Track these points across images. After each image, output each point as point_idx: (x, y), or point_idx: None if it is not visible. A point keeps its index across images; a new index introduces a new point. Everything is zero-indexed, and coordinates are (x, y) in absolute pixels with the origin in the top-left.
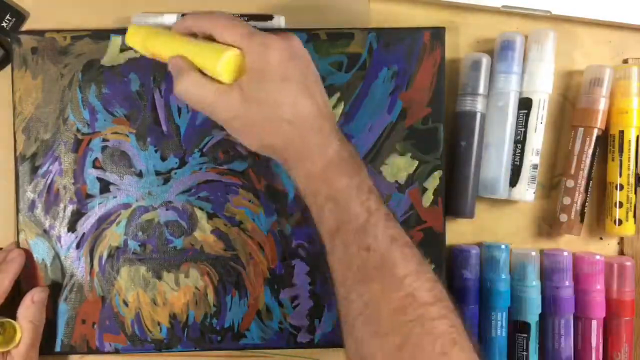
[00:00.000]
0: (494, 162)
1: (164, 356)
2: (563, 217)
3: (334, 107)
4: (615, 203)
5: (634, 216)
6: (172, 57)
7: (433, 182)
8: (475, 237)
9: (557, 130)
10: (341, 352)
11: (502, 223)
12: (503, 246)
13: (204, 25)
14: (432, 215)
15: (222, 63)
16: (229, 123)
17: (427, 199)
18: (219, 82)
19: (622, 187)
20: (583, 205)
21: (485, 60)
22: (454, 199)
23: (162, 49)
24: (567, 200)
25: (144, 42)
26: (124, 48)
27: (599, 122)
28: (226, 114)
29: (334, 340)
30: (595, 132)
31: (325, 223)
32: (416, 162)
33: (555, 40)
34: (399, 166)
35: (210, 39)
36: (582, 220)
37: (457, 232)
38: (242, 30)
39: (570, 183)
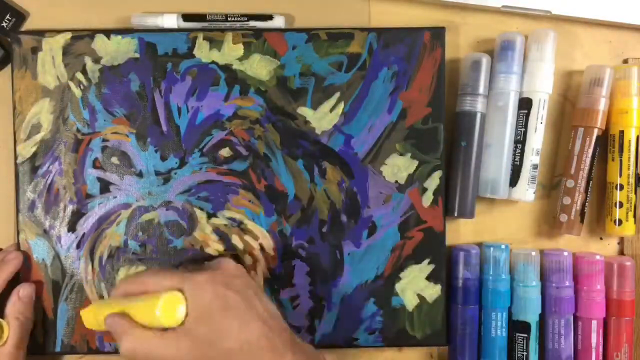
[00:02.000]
0: (494, 162)
1: None
2: (563, 217)
3: (334, 107)
4: (615, 203)
5: (634, 216)
6: (107, 317)
7: (433, 182)
8: (475, 237)
9: (557, 130)
10: (341, 352)
11: (502, 223)
12: (503, 246)
13: (136, 288)
14: (432, 215)
15: (160, 308)
16: None
17: (427, 198)
18: (163, 331)
19: (622, 187)
20: (583, 205)
21: (485, 61)
22: (454, 199)
23: (101, 317)
24: (567, 200)
25: (96, 320)
26: (125, 48)
27: (599, 122)
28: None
29: (334, 341)
30: (596, 132)
31: None
32: (416, 162)
33: (555, 40)
34: (399, 166)
35: None
36: (582, 220)
37: (457, 232)
38: (171, 278)
39: (570, 183)
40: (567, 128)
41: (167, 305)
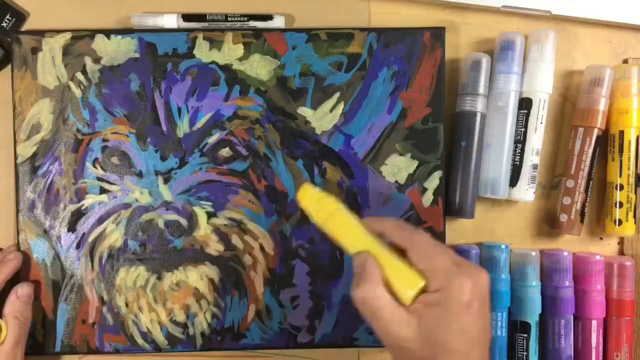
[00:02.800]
0: (494, 162)
1: (164, 356)
2: (563, 217)
3: (334, 107)
4: (615, 203)
5: (634, 216)
6: (361, 254)
7: (433, 182)
8: (475, 237)
9: (557, 130)
10: (341, 352)
11: (502, 223)
12: (503, 246)
13: (402, 240)
14: (432, 215)
15: (414, 293)
16: (395, 347)
17: (427, 198)
18: (398, 301)
19: (622, 187)
20: (583, 205)
21: (485, 61)
22: (455, 199)
23: (347, 237)
24: (567, 200)
25: (327, 217)
26: (125, 48)
27: (599, 122)
28: (395, 339)
29: (334, 341)
30: (595, 132)
31: None
32: (416, 162)
33: (555, 40)
34: (399, 166)
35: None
36: (582, 220)
37: (457, 232)
38: (440, 262)
39: (570, 183)
40: (567, 128)
41: (419, 291)
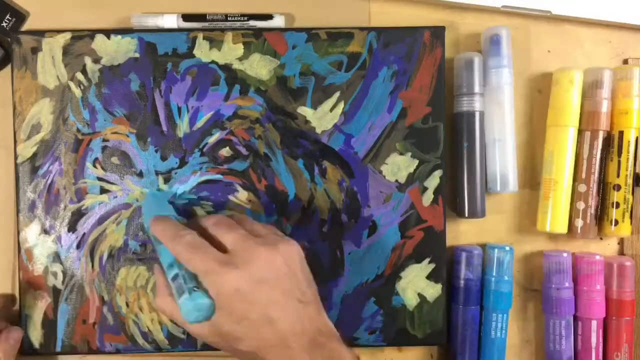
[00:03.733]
0: (501, 158)
1: (164, 356)
2: (578, 222)
3: (334, 106)
4: (612, 203)
5: (631, 217)
6: (156, 268)
7: (433, 181)
8: (475, 237)
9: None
10: None
11: (502, 223)
12: (507, 247)
13: (171, 250)
14: (433, 215)
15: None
16: (205, 340)
17: (428, 198)
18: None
19: (619, 188)
20: (597, 209)
21: (477, 59)
22: (464, 201)
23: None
24: (580, 205)
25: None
26: (125, 48)
27: (604, 124)
28: (199, 337)
29: None
30: (601, 134)
31: None
32: (416, 161)
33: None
34: (399, 165)
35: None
36: (597, 224)
37: (457, 232)
38: (199, 266)
39: (582, 187)
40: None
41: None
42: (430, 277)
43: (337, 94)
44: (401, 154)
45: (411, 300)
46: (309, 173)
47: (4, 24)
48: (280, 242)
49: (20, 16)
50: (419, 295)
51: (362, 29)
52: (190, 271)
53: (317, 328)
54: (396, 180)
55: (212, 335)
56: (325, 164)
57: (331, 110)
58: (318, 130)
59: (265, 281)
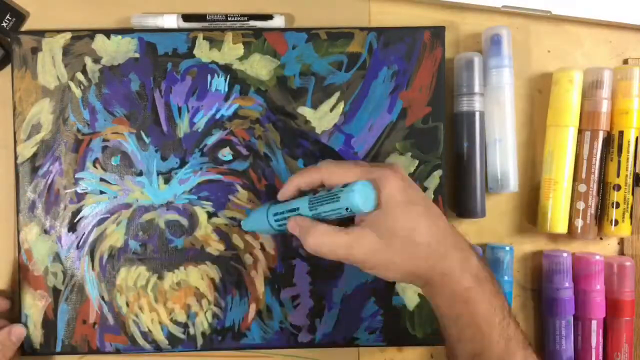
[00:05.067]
0: (501, 158)
1: (164, 356)
2: (578, 222)
3: (334, 106)
4: (612, 203)
5: (630, 217)
6: (290, 220)
7: (433, 181)
8: (475, 237)
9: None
10: (341, 351)
11: (501, 223)
12: (507, 247)
13: (313, 180)
14: None
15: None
16: (368, 262)
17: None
18: (346, 227)
19: (619, 188)
20: (597, 208)
21: (477, 59)
22: (464, 201)
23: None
24: (580, 205)
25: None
26: (125, 48)
27: (604, 124)
28: (364, 255)
29: (335, 340)
30: (601, 134)
31: (465, 346)
32: (416, 162)
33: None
34: (400, 165)
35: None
36: (597, 224)
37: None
38: (355, 171)
39: (582, 187)
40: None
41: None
42: None
43: (337, 94)
44: (401, 154)
45: (411, 300)
46: None
47: (4, 24)
48: None
49: (20, 16)
50: (419, 295)
51: (362, 29)
52: (330, 196)
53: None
54: None
55: (378, 234)
56: None
57: (331, 110)
58: (318, 130)
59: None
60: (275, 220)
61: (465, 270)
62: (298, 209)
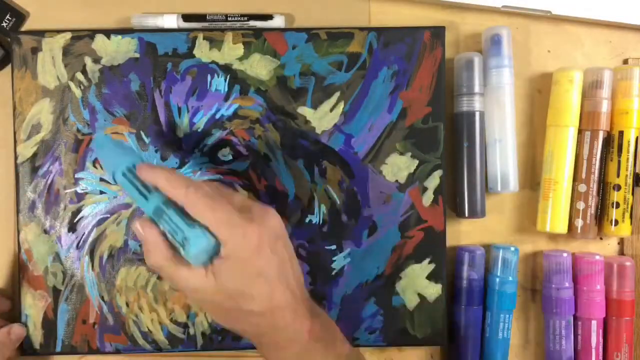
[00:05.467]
0: (501, 158)
1: (164, 356)
2: (578, 222)
3: (334, 106)
4: (613, 203)
5: (631, 217)
6: (139, 220)
7: (433, 181)
8: (475, 237)
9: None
10: None
11: (501, 223)
12: (512, 248)
13: (177, 197)
14: (433, 215)
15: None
16: (200, 303)
17: (428, 198)
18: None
19: (619, 188)
20: (597, 208)
21: (477, 59)
22: (464, 201)
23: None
24: (580, 205)
25: None
26: (125, 48)
27: (604, 124)
28: (197, 296)
29: None
30: (601, 134)
31: None
32: (416, 162)
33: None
34: (399, 165)
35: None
36: (597, 224)
37: (458, 232)
38: (219, 216)
39: (582, 187)
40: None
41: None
42: (431, 277)
43: (337, 94)
44: (401, 154)
45: (411, 301)
46: (309, 173)
47: (4, 24)
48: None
49: (20, 16)
50: (419, 295)
51: (362, 29)
52: (183, 217)
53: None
54: (396, 181)
55: (218, 292)
56: (325, 164)
57: (331, 110)
58: (318, 131)
59: (281, 238)
60: (122, 177)
61: (296, 339)
62: (146, 200)
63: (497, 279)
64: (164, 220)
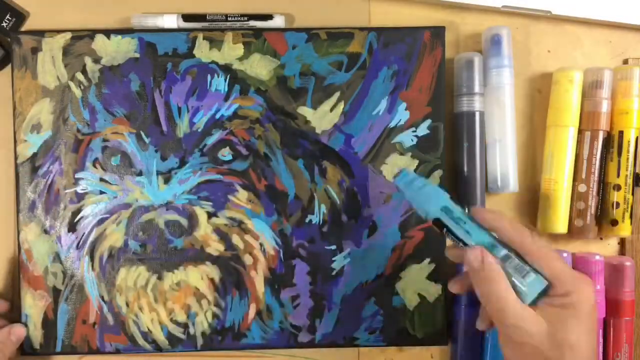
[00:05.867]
0: (501, 158)
1: (164, 356)
2: (578, 222)
3: (334, 106)
4: (612, 203)
5: (631, 217)
6: (476, 248)
7: (433, 181)
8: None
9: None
10: (341, 351)
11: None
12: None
13: (518, 241)
14: None
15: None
16: (520, 345)
17: None
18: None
19: (619, 188)
20: (597, 208)
21: (477, 59)
22: (463, 201)
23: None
24: (581, 205)
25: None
26: (125, 48)
27: (604, 124)
28: (522, 338)
29: (335, 340)
30: (601, 134)
31: None
32: (416, 162)
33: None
34: (400, 165)
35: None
36: (597, 224)
37: None
38: (564, 267)
39: (582, 187)
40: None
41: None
42: (431, 277)
43: (337, 94)
44: (401, 154)
45: (411, 301)
46: (309, 173)
47: (4, 24)
48: None
49: (20, 16)
50: (419, 295)
51: (362, 29)
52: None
53: None
54: None
55: (546, 338)
56: (325, 164)
57: (331, 110)
58: (318, 130)
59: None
60: (443, 214)
61: None
62: (484, 242)
63: None
64: (505, 254)
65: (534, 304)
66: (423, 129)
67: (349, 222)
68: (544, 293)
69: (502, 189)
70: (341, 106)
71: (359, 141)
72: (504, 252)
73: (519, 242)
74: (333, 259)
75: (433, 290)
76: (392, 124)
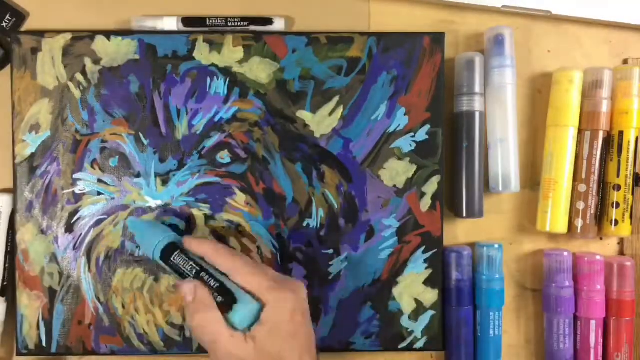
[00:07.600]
0: (503, 158)
1: (160, 358)
2: (578, 222)
3: (333, 110)
4: (613, 203)
5: (631, 217)
6: (184, 283)
7: (431, 186)
8: (473, 237)
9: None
10: (337, 356)
11: (499, 223)
12: (496, 245)
13: (223, 264)
14: (430, 220)
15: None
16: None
17: (426, 203)
18: (232, 329)
19: (619, 188)
20: (597, 208)
21: (478, 59)
22: (462, 201)
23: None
24: (581, 205)
25: None
26: (124, 49)
27: (604, 124)
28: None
29: (331, 345)
30: (601, 134)
31: None
32: (415, 167)
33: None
34: (398, 170)
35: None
36: (597, 224)
37: (455, 232)
38: (262, 281)
39: (582, 187)
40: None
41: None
42: (427, 282)
43: (337, 99)
44: (399, 159)
45: (408, 306)
46: (307, 177)
47: (4, 24)
48: None
49: (20, 16)
50: (416, 300)
51: (362, 33)
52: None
53: None
54: (394, 185)
55: (257, 352)
56: (323, 168)
57: (330, 114)
58: (317, 134)
59: (307, 310)
60: (162, 258)
61: None
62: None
63: (484, 277)
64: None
65: (248, 328)
66: (422, 135)
67: (346, 226)
68: (257, 312)
69: (504, 189)
70: (340, 110)
71: (357, 146)
72: (212, 281)
73: (225, 264)
74: (330, 263)
75: (429, 296)
76: (391, 129)
